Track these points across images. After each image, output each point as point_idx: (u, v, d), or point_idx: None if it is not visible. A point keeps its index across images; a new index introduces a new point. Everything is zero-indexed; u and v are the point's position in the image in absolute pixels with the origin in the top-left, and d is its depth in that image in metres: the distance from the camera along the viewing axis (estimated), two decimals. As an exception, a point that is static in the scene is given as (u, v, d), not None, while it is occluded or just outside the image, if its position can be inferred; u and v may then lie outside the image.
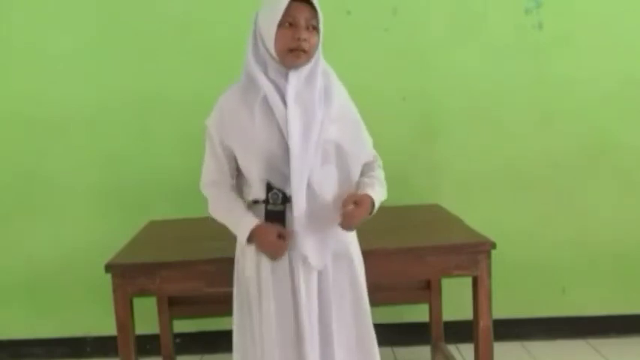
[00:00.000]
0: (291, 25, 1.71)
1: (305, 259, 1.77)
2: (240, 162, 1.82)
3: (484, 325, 2.22)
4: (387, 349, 3.07)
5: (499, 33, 2.96)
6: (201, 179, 1.90)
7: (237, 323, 1.89)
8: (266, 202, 1.79)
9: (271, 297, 1.79)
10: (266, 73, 1.76)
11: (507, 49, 2.96)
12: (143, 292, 2.22)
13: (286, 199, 1.76)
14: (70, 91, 2.96)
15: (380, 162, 1.95)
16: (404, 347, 3.07)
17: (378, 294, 2.85)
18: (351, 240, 1.90)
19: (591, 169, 3.02)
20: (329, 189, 1.79)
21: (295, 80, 1.76)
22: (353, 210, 1.76)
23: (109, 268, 2.15)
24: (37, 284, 3.06)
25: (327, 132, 1.77)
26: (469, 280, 2.25)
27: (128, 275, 2.16)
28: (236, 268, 1.90)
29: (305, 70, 1.78)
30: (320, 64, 1.80)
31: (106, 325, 2.68)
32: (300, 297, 1.77)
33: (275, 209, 1.78)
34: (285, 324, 1.78)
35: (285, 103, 1.74)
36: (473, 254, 2.19)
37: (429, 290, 2.87)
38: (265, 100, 1.75)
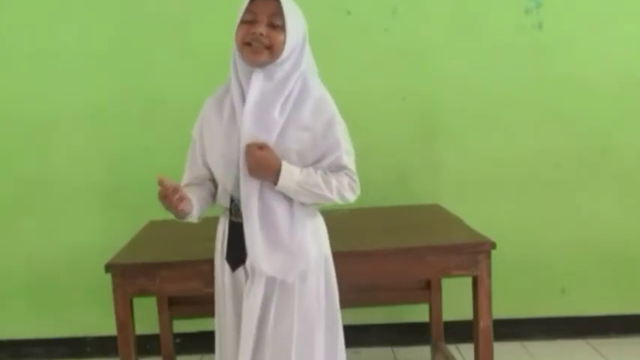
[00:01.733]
0: (251, 21, 1.66)
1: (254, 271, 1.70)
2: (210, 168, 1.80)
3: (484, 325, 2.22)
4: (387, 349, 3.07)
5: (499, 33, 2.96)
6: None
7: (215, 323, 1.88)
8: (230, 213, 1.77)
9: (230, 300, 1.77)
10: (236, 74, 1.72)
11: (507, 49, 2.96)
12: (143, 292, 2.22)
13: None
14: (70, 91, 2.96)
15: (351, 174, 1.77)
16: (404, 347, 3.07)
17: (378, 294, 2.88)
18: (312, 262, 1.75)
19: (591, 169, 3.02)
20: (285, 201, 1.72)
21: (261, 81, 1.68)
22: (255, 149, 1.65)
23: (109, 268, 2.15)
24: (37, 284, 3.06)
25: (290, 140, 1.68)
26: (469, 280, 2.25)
27: (128, 275, 2.16)
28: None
29: (278, 72, 1.69)
30: (298, 68, 1.71)
31: (106, 325, 2.68)
32: (243, 301, 1.73)
33: (236, 221, 1.74)
34: (237, 330, 1.75)
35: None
36: (473, 254, 2.19)
37: (429, 290, 2.87)
38: (234, 104, 1.71)
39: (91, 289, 2.95)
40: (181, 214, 1.72)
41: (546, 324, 3.10)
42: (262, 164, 1.66)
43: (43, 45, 2.94)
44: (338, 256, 2.15)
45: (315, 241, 1.78)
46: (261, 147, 1.65)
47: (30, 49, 2.95)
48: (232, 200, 1.76)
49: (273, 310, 1.71)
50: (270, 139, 1.66)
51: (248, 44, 1.65)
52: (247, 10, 1.66)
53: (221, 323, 1.85)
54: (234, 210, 1.75)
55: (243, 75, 1.70)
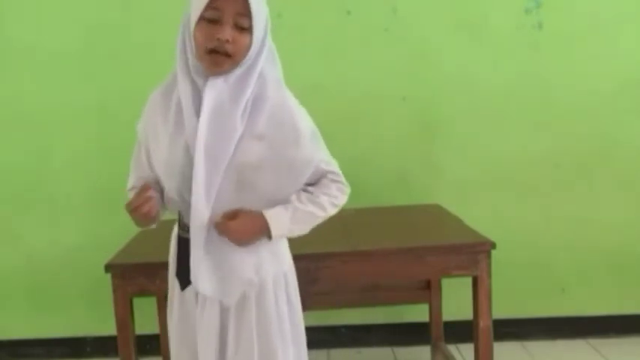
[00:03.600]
0: (213, 20, 1.43)
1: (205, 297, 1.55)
2: (156, 173, 1.60)
3: (484, 325, 2.21)
4: (387, 349, 3.07)
5: (499, 33, 2.96)
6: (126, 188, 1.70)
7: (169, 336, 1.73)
8: (178, 226, 1.59)
9: (177, 320, 1.62)
10: (187, 72, 1.49)
11: (507, 49, 2.96)
12: (143, 292, 2.22)
13: None
14: (70, 91, 2.96)
15: (336, 177, 1.60)
16: (404, 347, 3.07)
17: (378, 294, 2.88)
18: (268, 277, 1.59)
19: (591, 169, 3.02)
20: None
21: (217, 88, 1.47)
22: (223, 223, 1.49)
23: (109, 268, 2.15)
24: (37, 284, 3.06)
25: (246, 153, 1.48)
26: (469, 280, 2.25)
27: (128, 275, 2.16)
28: None
29: (233, 76, 1.48)
30: (256, 70, 1.49)
31: (106, 325, 2.68)
32: (200, 323, 1.57)
33: (185, 236, 1.55)
34: (186, 352, 1.62)
35: (198, 114, 1.47)
36: (473, 254, 2.19)
37: (429, 290, 2.87)
38: (180, 106, 1.50)
39: (91, 289, 2.95)
40: (149, 221, 1.57)
41: (546, 324, 3.10)
42: (247, 233, 1.51)
43: (44, 44, 2.94)
44: (338, 256, 2.16)
45: (273, 259, 1.61)
46: (232, 216, 1.48)
47: (30, 48, 2.95)
48: (180, 212, 1.58)
49: (232, 337, 1.57)
50: (228, 150, 1.46)
51: (210, 51, 1.44)
52: (210, 6, 1.41)
53: (171, 339, 1.68)
54: (182, 224, 1.58)
55: (197, 77, 1.49)
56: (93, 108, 2.97)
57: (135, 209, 1.47)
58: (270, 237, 1.54)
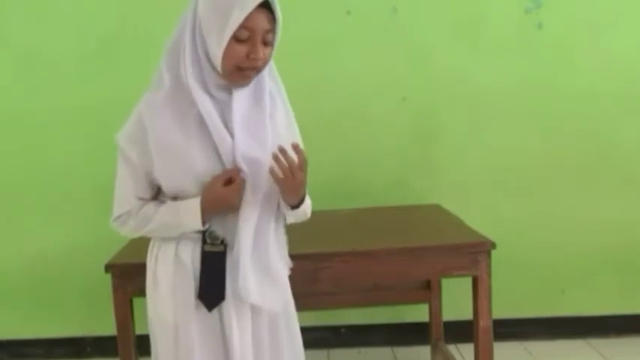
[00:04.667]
0: (245, 40, 1.44)
1: (238, 309, 1.54)
2: (168, 188, 1.56)
3: (484, 325, 2.21)
4: (387, 349, 3.07)
5: (499, 33, 2.96)
6: (113, 212, 1.66)
7: None
8: (203, 240, 1.54)
9: (194, 337, 1.57)
10: (204, 86, 1.49)
11: (507, 49, 2.96)
12: (143, 292, 2.21)
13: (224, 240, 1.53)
14: (71, 90, 2.96)
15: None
16: (404, 347, 3.07)
17: (378, 294, 2.88)
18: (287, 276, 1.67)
19: (591, 169, 3.02)
20: (274, 221, 1.58)
21: (241, 102, 1.51)
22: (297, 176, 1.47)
23: (109, 268, 2.15)
24: (37, 284, 3.06)
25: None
26: (469, 280, 2.25)
27: (128, 275, 2.16)
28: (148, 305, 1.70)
29: (254, 83, 1.54)
30: (266, 74, 1.55)
31: (106, 325, 2.68)
32: (232, 341, 1.54)
33: (214, 250, 1.53)
34: None
35: (227, 127, 1.49)
36: (473, 254, 2.18)
37: (429, 290, 2.87)
38: (201, 117, 1.48)
39: (91, 289, 2.95)
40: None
41: (546, 324, 3.10)
42: (301, 188, 1.51)
43: (43, 47, 2.94)
44: (338, 256, 2.16)
45: (287, 259, 1.68)
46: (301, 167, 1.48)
47: (31, 48, 2.95)
48: (207, 227, 1.54)
49: (267, 345, 1.59)
50: (267, 156, 1.48)
51: (240, 68, 1.46)
52: (243, 26, 1.41)
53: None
54: (212, 237, 1.54)
55: (216, 90, 1.50)
56: (92, 109, 2.97)
57: (234, 198, 1.49)
58: (295, 205, 1.56)
